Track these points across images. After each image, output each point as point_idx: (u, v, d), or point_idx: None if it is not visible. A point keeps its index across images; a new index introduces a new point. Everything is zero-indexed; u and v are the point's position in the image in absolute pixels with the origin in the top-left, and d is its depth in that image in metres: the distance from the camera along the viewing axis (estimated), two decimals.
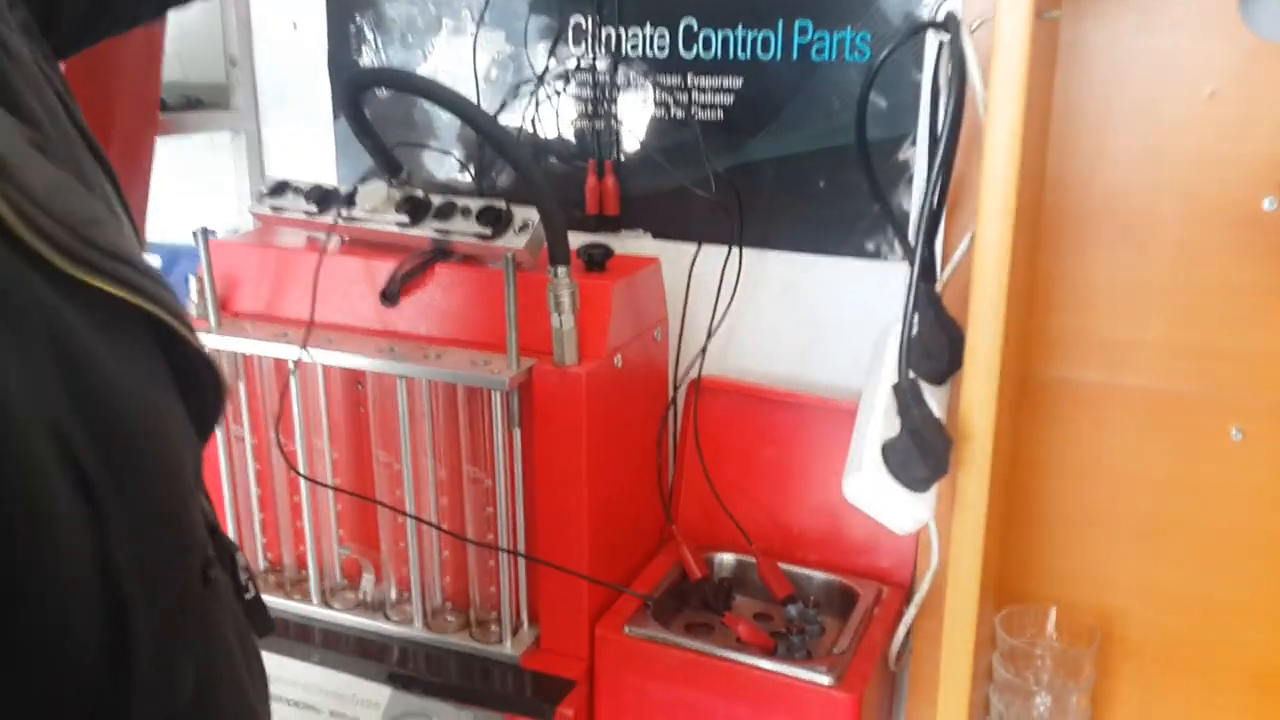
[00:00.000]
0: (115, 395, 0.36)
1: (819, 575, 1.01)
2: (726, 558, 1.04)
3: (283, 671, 0.97)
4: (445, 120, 1.18)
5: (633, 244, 1.11)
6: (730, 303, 1.06)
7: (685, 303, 1.06)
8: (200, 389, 0.43)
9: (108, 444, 0.35)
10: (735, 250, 1.05)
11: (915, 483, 0.67)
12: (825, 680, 0.86)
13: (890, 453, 0.68)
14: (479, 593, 0.97)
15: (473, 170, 1.18)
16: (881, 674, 0.94)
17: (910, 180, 0.98)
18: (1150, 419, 0.87)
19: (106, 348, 0.36)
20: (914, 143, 0.96)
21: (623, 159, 1.10)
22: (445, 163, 1.20)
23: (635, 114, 1.08)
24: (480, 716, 0.90)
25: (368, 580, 1.01)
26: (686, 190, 1.08)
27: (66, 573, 0.34)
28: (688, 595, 1.02)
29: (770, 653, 0.90)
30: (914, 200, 0.93)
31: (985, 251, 0.68)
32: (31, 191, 0.34)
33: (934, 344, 0.74)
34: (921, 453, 0.66)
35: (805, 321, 1.07)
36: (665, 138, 1.07)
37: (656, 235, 1.12)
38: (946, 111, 0.70)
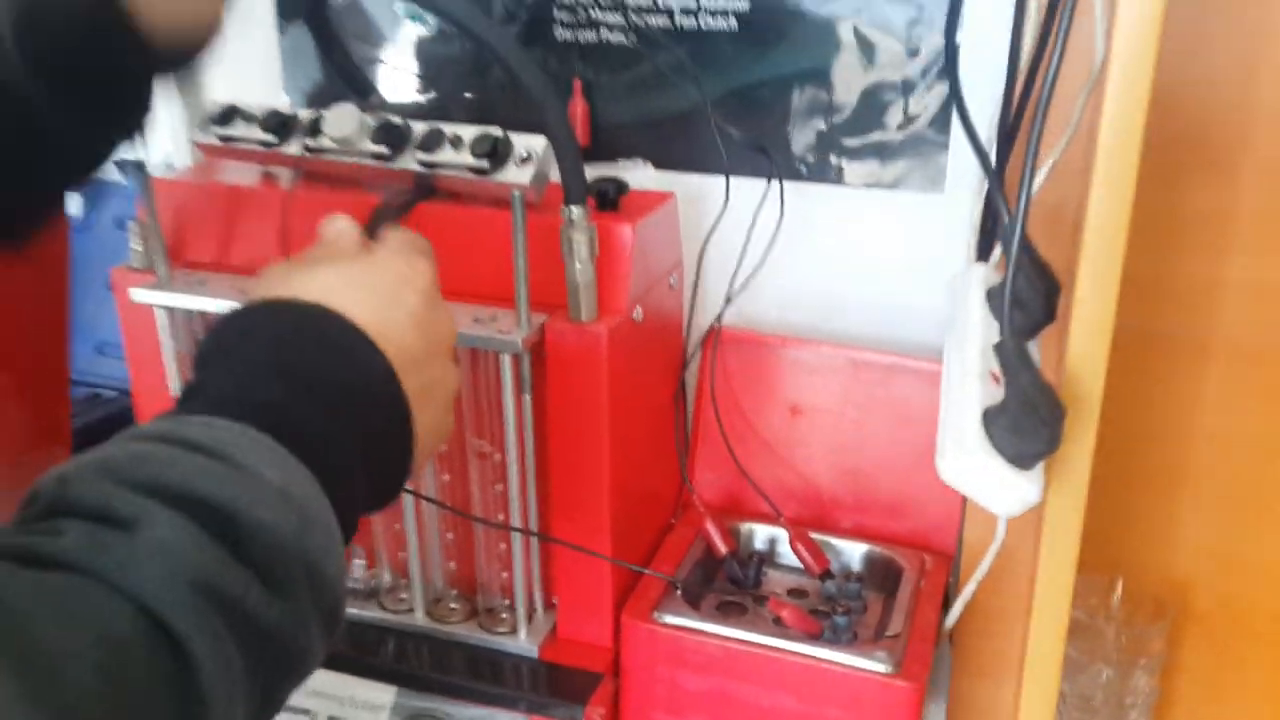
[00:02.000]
0: None
1: (856, 545, 0.92)
2: (756, 529, 0.94)
3: None
4: (405, 30, 1.02)
5: (629, 176, 0.98)
6: (747, 240, 0.95)
7: (704, 247, 0.94)
8: None
9: None
10: (765, 183, 0.94)
11: (1025, 459, 0.57)
12: (883, 668, 0.77)
13: (994, 425, 0.58)
14: (487, 578, 0.86)
15: (433, 92, 1.03)
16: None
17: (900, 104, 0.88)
18: (1236, 371, 0.79)
19: None
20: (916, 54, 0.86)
21: (608, 77, 0.97)
22: (400, 82, 1.04)
23: (620, 23, 0.95)
24: (500, 718, 0.80)
25: (357, 565, 0.89)
26: (689, 114, 0.95)
27: None
28: (713, 572, 0.92)
29: (817, 637, 0.81)
30: (986, 122, 0.81)
31: (1107, 186, 0.58)
32: None
33: (1026, 293, 0.64)
34: (1033, 424, 0.56)
35: (831, 262, 0.96)
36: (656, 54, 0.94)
37: (660, 166, 1.00)
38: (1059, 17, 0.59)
